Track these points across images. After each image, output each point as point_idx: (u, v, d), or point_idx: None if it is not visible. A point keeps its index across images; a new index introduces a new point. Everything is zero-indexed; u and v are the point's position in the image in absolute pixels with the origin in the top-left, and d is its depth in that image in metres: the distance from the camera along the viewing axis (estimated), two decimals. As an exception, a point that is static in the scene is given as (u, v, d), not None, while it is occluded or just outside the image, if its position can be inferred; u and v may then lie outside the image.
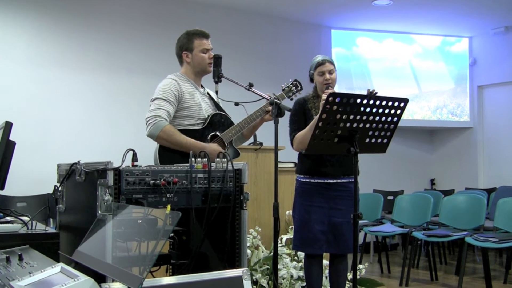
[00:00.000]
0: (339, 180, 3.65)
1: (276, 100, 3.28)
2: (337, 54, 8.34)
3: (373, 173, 7.99)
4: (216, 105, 3.56)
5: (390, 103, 3.14)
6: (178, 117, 3.36)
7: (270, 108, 3.41)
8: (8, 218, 2.69)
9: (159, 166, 2.48)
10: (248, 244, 3.90)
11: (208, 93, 3.59)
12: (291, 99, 3.64)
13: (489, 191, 7.75)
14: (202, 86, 3.59)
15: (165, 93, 3.33)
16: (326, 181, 3.65)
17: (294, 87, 3.68)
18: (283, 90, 3.64)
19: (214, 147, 3.30)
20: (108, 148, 5.09)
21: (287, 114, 3.48)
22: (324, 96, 3.45)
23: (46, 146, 5.93)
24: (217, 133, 3.41)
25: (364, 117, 3.09)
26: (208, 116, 3.41)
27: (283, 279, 4.19)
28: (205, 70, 3.52)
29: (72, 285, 1.49)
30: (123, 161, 2.33)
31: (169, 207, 1.97)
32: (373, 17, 7.99)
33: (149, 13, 6.84)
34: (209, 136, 3.41)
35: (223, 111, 3.55)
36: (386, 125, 3.22)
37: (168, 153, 3.25)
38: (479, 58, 9.04)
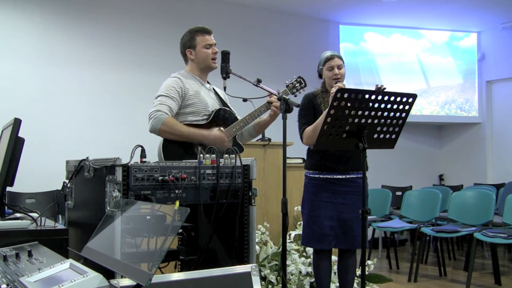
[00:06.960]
0: (347, 176, 3.64)
1: (284, 95, 3.27)
2: (345, 49, 8.32)
3: (381, 168, 7.97)
4: (222, 101, 3.55)
5: (398, 99, 3.13)
6: (181, 113, 3.35)
7: (273, 102, 3.40)
8: (17, 215, 2.70)
9: (168, 162, 2.47)
10: (256, 240, 3.90)
11: (214, 89, 3.59)
12: (295, 96, 3.61)
13: (498, 186, 7.73)
14: (208, 82, 3.58)
15: (168, 90, 3.33)
16: (335, 176, 3.64)
17: (298, 84, 3.65)
18: (287, 86, 3.61)
19: (216, 133, 3.30)
20: (117, 144, 5.10)
21: (295, 110, 3.46)
22: (333, 90, 3.44)
23: (54, 143, 5.95)
24: (221, 128, 3.41)
25: (373, 113, 3.09)
26: (212, 111, 3.41)
27: (292, 275, 4.19)
28: (210, 66, 3.50)
29: (81, 281, 1.49)
30: (131, 157, 2.33)
31: (177, 203, 1.97)
32: (381, 12, 7.97)
33: (158, 8, 6.85)
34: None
35: (229, 107, 3.55)
36: (395, 120, 3.21)
37: (172, 146, 3.24)
38: (487, 53, 8.99)
